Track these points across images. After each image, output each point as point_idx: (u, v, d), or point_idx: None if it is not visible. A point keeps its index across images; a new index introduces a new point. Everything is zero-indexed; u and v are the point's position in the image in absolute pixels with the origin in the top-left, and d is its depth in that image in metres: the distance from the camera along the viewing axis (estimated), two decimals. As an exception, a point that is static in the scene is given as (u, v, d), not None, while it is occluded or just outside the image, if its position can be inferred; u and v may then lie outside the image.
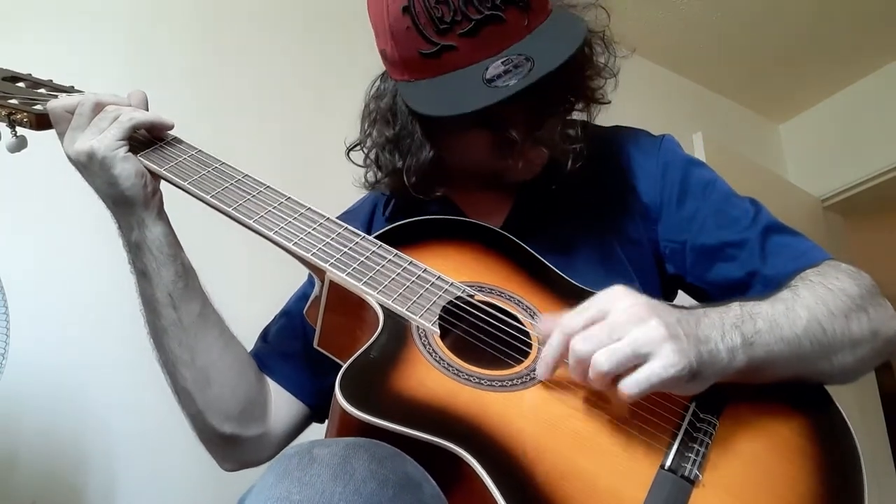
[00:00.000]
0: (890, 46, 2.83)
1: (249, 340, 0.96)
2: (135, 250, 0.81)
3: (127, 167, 0.78)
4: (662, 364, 0.61)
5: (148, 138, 0.84)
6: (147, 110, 0.84)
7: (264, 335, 0.97)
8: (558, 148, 0.83)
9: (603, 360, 0.62)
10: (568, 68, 0.76)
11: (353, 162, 0.95)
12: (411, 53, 0.79)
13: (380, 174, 0.92)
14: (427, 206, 0.91)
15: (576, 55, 0.76)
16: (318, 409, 0.92)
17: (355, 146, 0.95)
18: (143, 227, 0.80)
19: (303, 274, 0.99)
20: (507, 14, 0.77)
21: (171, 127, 0.86)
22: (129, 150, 0.79)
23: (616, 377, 0.63)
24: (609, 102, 0.92)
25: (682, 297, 0.91)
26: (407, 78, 0.82)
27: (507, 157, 0.83)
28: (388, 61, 0.85)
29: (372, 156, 0.93)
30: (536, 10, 0.79)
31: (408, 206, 0.92)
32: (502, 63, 0.76)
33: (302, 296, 0.97)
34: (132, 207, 0.79)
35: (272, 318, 0.99)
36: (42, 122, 0.85)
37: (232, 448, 0.87)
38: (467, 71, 0.77)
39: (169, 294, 0.80)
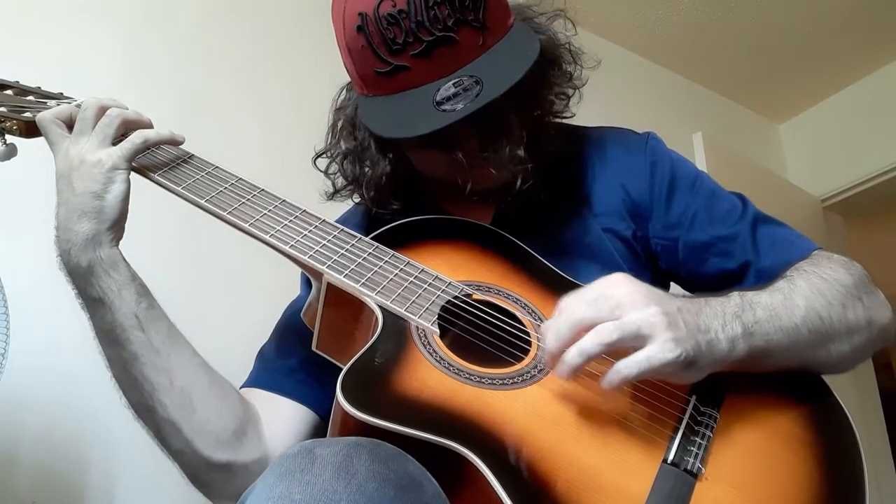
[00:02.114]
0: (890, 47, 2.83)
1: (246, 351, 0.96)
2: (87, 277, 0.76)
3: (122, 188, 0.78)
4: (660, 348, 0.62)
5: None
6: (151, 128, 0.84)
7: (261, 355, 0.95)
8: (506, 169, 0.83)
9: (609, 331, 0.63)
10: (520, 89, 0.76)
11: (318, 169, 0.96)
12: (367, 70, 0.80)
13: (345, 183, 0.94)
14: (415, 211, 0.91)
15: (524, 79, 0.76)
16: (329, 417, 0.91)
17: (322, 154, 0.96)
18: (99, 247, 0.76)
19: (297, 285, 0.99)
20: (461, 34, 0.77)
21: (182, 143, 0.85)
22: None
23: (611, 368, 0.63)
24: (573, 115, 0.93)
25: (676, 290, 0.91)
26: (366, 93, 0.83)
27: (457, 175, 0.84)
28: (349, 75, 0.86)
29: (336, 164, 0.94)
30: (493, 29, 0.79)
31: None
32: (453, 85, 0.76)
33: (294, 311, 0.95)
34: (99, 224, 0.76)
35: (266, 336, 0.98)
36: (31, 129, 0.85)
37: (228, 479, 0.80)
38: (420, 91, 0.77)
39: (134, 315, 0.76)
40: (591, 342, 0.64)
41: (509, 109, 0.82)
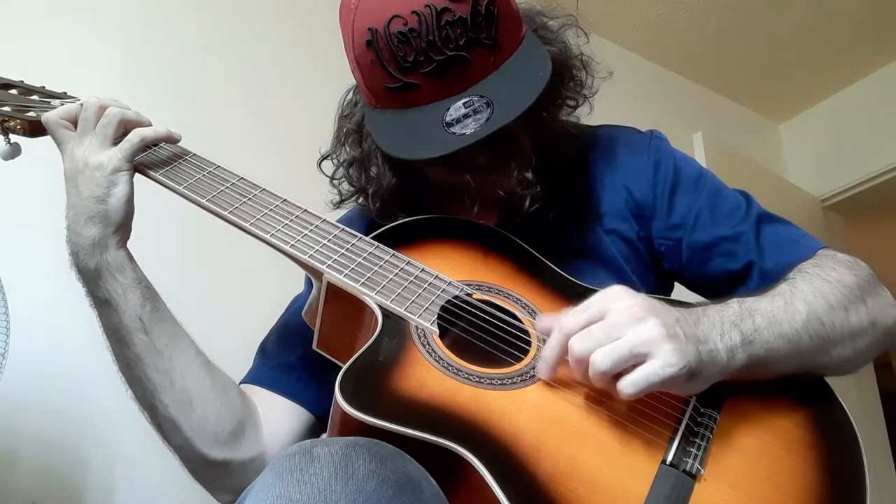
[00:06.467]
0: (890, 47, 2.83)
1: (247, 349, 0.96)
2: (95, 279, 0.77)
3: (125, 190, 0.78)
4: (661, 364, 0.62)
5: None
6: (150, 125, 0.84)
7: (262, 351, 0.95)
8: (513, 192, 0.83)
9: (601, 360, 0.62)
10: (530, 111, 0.75)
11: (323, 173, 0.96)
12: (377, 84, 0.80)
13: (351, 189, 0.94)
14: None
15: (536, 104, 0.76)
16: (326, 417, 0.91)
17: (327, 157, 0.96)
18: (105, 250, 0.77)
19: (298, 283, 0.99)
20: (473, 54, 0.76)
21: (179, 140, 0.85)
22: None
23: (616, 376, 0.63)
24: (580, 128, 0.93)
25: (680, 291, 0.91)
26: (374, 104, 0.82)
27: (464, 191, 0.84)
28: (358, 85, 0.85)
29: (342, 170, 0.94)
30: (504, 46, 0.78)
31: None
32: (464, 105, 0.76)
33: (297, 308, 0.95)
34: (104, 227, 0.77)
35: (267, 332, 0.98)
36: (35, 128, 0.85)
37: (225, 475, 0.82)
38: (430, 108, 0.77)
39: (139, 318, 0.77)
40: (590, 375, 0.64)
41: (518, 131, 0.81)
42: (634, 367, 0.62)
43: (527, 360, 0.72)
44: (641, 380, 0.62)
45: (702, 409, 0.69)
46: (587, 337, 0.64)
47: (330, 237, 0.79)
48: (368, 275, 0.76)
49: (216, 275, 1.64)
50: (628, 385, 0.62)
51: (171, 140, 0.84)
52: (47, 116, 0.82)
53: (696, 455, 0.65)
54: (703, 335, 0.66)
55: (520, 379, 0.69)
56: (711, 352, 0.65)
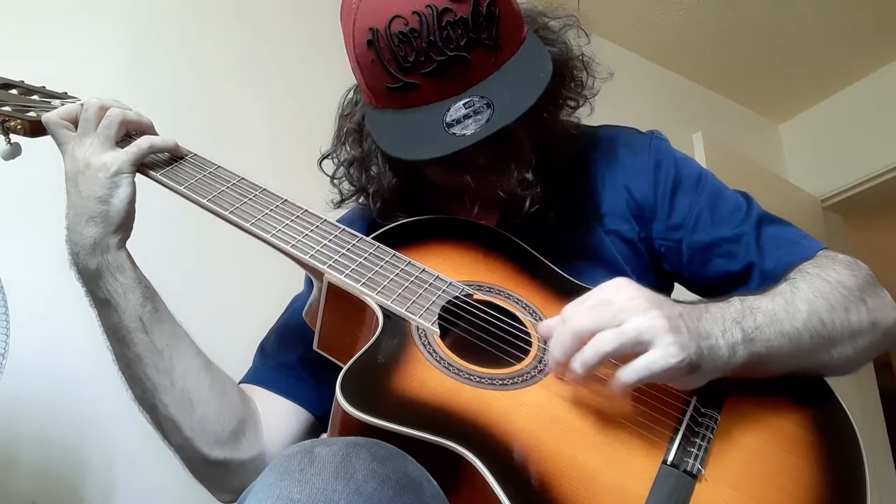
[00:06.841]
0: (890, 47, 2.83)
1: (247, 349, 0.96)
2: (95, 279, 0.77)
3: (128, 192, 0.78)
4: (662, 354, 0.62)
5: None
6: (154, 134, 0.84)
7: (261, 351, 0.95)
8: (513, 193, 0.83)
9: (606, 340, 0.63)
10: (530, 109, 0.75)
11: (324, 172, 0.96)
12: (377, 84, 0.80)
13: (351, 189, 0.94)
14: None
15: (536, 104, 0.76)
16: (326, 417, 0.91)
17: (327, 157, 0.96)
18: (106, 251, 0.77)
19: (298, 283, 0.99)
20: (473, 54, 0.76)
21: (185, 156, 0.85)
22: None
23: (613, 367, 0.63)
24: (580, 128, 0.93)
25: (680, 292, 0.91)
26: (374, 104, 0.83)
27: (464, 192, 0.84)
28: (359, 84, 0.86)
29: (343, 169, 0.94)
30: (505, 47, 0.78)
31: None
32: (464, 105, 0.76)
33: (296, 308, 0.95)
34: (105, 228, 0.76)
35: (267, 331, 0.98)
36: (36, 128, 0.85)
37: (225, 475, 0.82)
38: (430, 108, 0.77)
39: (139, 318, 0.77)
40: (590, 353, 0.64)
41: (519, 131, 0.81)
42: (635, 356, 0.63)
43: (528, 360, 0.72)
44: (642, 367, 0.62)
45: (702, 409, 0.69)
46: (590, 314, 0.64)
47: (331, 237, 0.79)
48: (369, 275, 0.76)
49: (216, 275, 1.64)
50: (629, 372, 0.63)
51: (176, 154, 0.84)
52: (48, 116, 0.82)
53: (696, 455, 0.65)
54: (705, 331, 0.66)
55: (521, 379, 0.69)
56: (712, 347, 0.66)
